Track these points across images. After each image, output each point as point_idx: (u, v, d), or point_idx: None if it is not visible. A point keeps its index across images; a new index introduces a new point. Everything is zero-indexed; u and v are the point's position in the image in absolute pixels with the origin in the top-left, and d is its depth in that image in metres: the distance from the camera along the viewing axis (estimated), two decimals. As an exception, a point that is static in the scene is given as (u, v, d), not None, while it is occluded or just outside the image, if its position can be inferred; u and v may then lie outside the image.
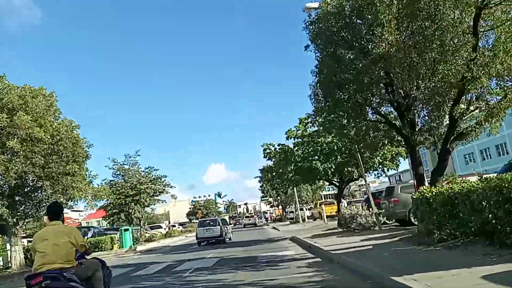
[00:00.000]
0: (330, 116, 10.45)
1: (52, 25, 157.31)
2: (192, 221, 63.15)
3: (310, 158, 18.31)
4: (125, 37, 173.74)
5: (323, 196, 66.14)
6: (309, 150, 18.55)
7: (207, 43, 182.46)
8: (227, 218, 57.42)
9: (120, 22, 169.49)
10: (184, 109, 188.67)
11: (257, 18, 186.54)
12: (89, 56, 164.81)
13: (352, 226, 15.88)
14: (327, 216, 34.07)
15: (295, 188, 39.59)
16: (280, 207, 63.26)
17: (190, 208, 67.73)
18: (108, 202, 27.50)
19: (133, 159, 29.74)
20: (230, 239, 24.64)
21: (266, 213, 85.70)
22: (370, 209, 16.05)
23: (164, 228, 41.75)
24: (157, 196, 29.87)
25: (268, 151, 19.88)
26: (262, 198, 67.81)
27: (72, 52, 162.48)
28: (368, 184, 17.08)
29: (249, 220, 57.17)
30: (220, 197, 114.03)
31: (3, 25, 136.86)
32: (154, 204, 30.78)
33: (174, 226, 49.53)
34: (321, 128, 18.71)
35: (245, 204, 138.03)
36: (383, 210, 15.93)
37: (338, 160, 18.31)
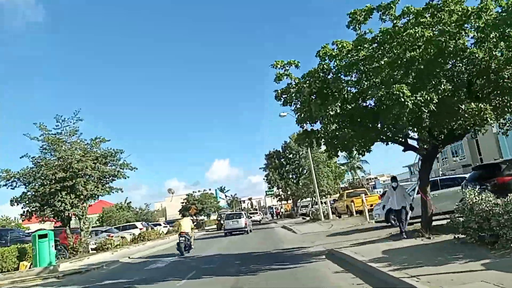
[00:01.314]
0: None
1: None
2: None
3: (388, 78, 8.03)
4: (125, 37, 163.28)
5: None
6: (383, 59, 8.46)
7: (209, 42, 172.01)
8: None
9: (119, 23, 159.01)
10: (187, 103, 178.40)
11: (255, 12, 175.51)
12: (90, 56, 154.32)
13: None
14: (355, 212, 24.80)
15: (313, 171, 29.58)
16: (289, 200, 53.05)
17: (182, 203, 57.20)
18: (26, 191, 17.51)
19: (70, 126, 18.63)
20: (251, 230, 27.70)
21: (272, 208, 76.16)
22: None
23: (141, 229, 31.44)
24: (107, 182, 19.01)
25: (284, 83, 9.71)
26: (268, 192, 57.30)
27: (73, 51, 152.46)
28: None
29: (254, 216, 48.68)
30: (222, 192, 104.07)
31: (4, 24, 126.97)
32: (103, 195, 20.02)
33: (158, 225, 39.40)
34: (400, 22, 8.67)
35: (249, 199, 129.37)
36: None
37: (445, 87, 8.32)
